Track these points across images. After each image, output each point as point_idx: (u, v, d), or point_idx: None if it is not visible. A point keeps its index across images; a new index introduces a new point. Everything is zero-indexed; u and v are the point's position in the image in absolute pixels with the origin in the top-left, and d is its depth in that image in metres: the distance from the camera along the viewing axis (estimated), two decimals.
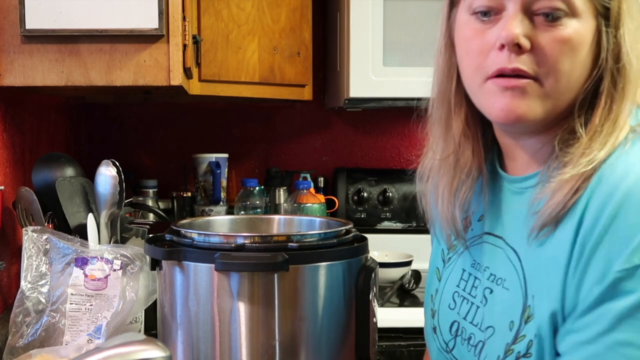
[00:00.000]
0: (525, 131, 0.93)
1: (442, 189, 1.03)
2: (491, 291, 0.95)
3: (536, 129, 0.91)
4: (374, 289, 1.18)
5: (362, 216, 2.32)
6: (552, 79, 0.86)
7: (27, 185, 1.49)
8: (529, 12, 0.86)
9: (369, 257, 1.20)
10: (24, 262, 1.35)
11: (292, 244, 1.12)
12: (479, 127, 1.00)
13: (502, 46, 0.86)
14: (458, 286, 1.03)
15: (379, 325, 1.26)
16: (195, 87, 1.80)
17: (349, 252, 1.17)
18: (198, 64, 1.80)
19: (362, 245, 1.20)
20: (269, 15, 1.98)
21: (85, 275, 1.33)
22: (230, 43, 1.90)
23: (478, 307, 0.97)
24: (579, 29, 0.85)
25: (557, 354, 0.85)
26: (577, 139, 0.87)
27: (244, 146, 2.45)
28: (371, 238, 1.27)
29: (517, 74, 0.86)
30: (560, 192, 0.84)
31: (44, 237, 1.36)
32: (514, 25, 0.85)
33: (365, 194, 2.32)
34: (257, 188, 2.14)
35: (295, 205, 2.07)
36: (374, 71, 1.97)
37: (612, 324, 0.79)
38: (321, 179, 2.40)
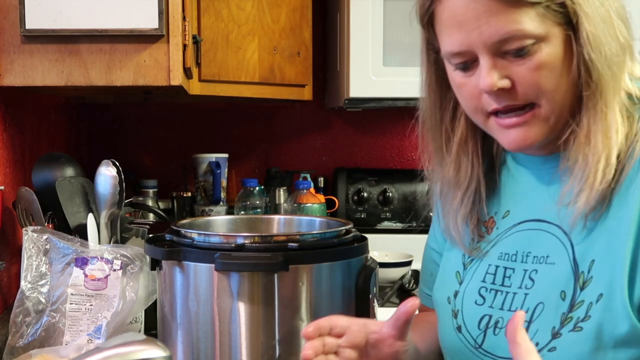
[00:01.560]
0: (537, 147, 0.98)
1: (447, 208, 1.09)
2: (537, 272, 0.98)
3: (546, 141, 0.97)
4: (374, 289, 1.18)
5: (362, 216, 2.32)
6: (544, 100, 0.92)
7: (27, 185, 1.49)
8: (499, 54, 0.90)
9: (369, 257, 1.20)
10: (24, 262, 1.35)
11: (292, 244, 1.12)
12: (479, 137, 1.05)
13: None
14: (484, 281, 1.04)
15: None
16: (195, 87, 1.80)
17: (349, 252, 1.17)
18: (198, 64, 1.80)
19: (362, 245, 1.20)
20: (269, 15, 1.98)
21: (85, 275, 1.33)
22: (230, 43, 1.90)
23: (515, 293, 0.99)
24: (550, 50, 0.90)
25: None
26: (577, 141, 0.92)
27: (244, 146, 2.45)
28: (371, 238, 1.27)
29: (511, 110, 0.92)
30: (585, 192, 0.91)
31: (44, 237, 1.36)
32: (489, 76, 0.90)
33: (365, 194, 2.32)
34: (257, 188, 2.14)
35: (295, 205, 2.07)
36: (374, 71, 1.97)
37: None
38: (321, 179, 2.39)
